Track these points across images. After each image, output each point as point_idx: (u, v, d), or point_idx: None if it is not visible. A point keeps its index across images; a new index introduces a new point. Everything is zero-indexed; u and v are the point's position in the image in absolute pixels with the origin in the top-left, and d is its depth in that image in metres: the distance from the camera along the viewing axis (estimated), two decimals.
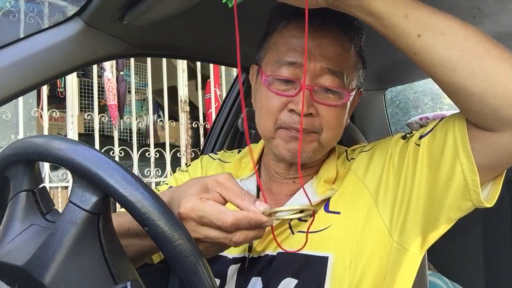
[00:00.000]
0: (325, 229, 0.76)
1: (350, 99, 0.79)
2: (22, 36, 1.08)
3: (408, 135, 0.77)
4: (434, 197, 0.69)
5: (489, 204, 0.67)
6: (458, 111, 0.67)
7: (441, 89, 0.63)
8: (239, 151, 0.98)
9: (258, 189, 0.87)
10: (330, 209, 0.78)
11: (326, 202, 0.79)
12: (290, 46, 0.76)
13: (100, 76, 4.07)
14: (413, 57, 0.61)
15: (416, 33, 0.58)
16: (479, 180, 0.64)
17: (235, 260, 0.79)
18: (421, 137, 0.72)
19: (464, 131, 0.64)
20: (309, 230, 0.76)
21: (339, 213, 0.77)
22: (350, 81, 0.78)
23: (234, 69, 2.27)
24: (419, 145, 0.71)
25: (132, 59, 4.18)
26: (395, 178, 0.74)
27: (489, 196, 0.68)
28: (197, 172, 0.93)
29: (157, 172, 4.24)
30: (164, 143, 4.45)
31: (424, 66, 0.61)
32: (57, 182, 3.72)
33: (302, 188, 0.80)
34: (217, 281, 0.79)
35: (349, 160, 0.85)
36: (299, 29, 0.76)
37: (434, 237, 0.74)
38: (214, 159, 0.96)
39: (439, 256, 1.52)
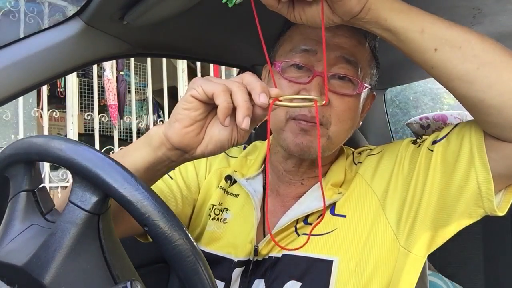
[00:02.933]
0: (330, 232, 0.76)
1: (364, 92, 0.79)
2: (22, 36, 1.08)
3: (418, 140, 0.76)
4: (445, 203, 0.69)
5: (501, 212, 0.66)
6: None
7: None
8: (245, 147, 0.97)
9: (264, 189, 0.86)
10: (336, 212, 0.77)
11: (332, 205, 0.78)
12: (305, 35, 0.77)
13: (100, 76, 4.07)
14: (430, 71, 0.60)
15: (433, 48, 0.58)
16: (493, 189, 0.63)
17: (239, 263, 0.79)
18: (434, 142, 0.71)
19: (481, 139, 0.64)
20: (314, 233, 0.76)
21: (345, 216, 0.77)
22: (364, 75, 0.78)
23: (234, 69, 2.26)
24: (432, 150, 0.70)
25: (132, 59, 4.18)
26: (404, 183, 0.74)
27: (501, 204, 0.67)
28: (201, 161, 0.92)
29: None
30: None
31: (441, 80, 0.61)
32: (57, 182, 3.72)
33: (319, 182, 0.79)
34: (221, 284, 0.79)
35: (356, 164, 0.84)
36: None
37: (441, 240, 0.74)
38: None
39: (439, 256, 1.52)
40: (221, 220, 0.85)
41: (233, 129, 0.59)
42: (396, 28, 0.58)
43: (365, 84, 0.77)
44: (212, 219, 0.86)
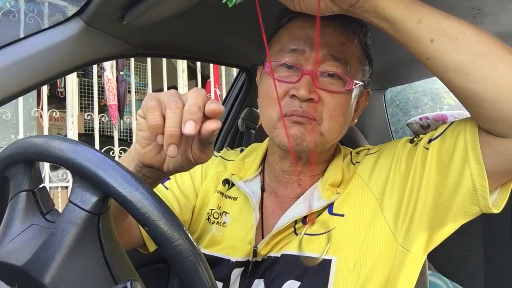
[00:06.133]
0: (328, 231, 0.76)
1: (356, 89, 0.79)
2: (22, 36, 1.07)
3: (415, 139, 0.76)
4: (441, 201, 0.69)
5: (496, 210, 0.66)
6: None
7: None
8: (242, 150, 0.97)
9: (262, 191, 0.86)
10: (334, 211, 0.77)
11: (330, 204, 0.78)
12: (293, 35, 0.77)
13: (100, 76, 4.07)
14: (426, 62, 0.60)
15: (429, 38, 0.58)
16: (488, 186, 0.63)
17: (238, 264, 0.79)
18: (430, 140, 0.71)
19: (475, 136, 0.64)
20: (313, 233, 0.76)
21: (343, 215, 0.77)
22: (354, 72, 0.78)
23: (234, 69, 2.27)
24: (428, 148, 0.70)
25: (132, 59, 4.18)
26: (401, 181, 0.74)
27: (496, 202, 0.67)
28: (196, 168, 0.91)
29: None
30: None
31: (437, 71, 0.61)
32: (57, 182, 3.72)
33: (317, 183, 0.80)
34: (220, 285, 0.79)
35: (353, 164, 0.84)
36: (302, 21, 0.76)
37: (438, 239, 0.74)
38: (216, 156, 0.95)
39: (439, 256, 1.52)
40: (221, 224, 0.85)
41: (186, 150, 0.59)
42: (393, 18, 0.58)
43: (355, 81, 0.77)
44: (212, 223, 0.86)
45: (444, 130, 0.70)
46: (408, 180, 0.72)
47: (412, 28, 0.58)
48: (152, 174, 0.62)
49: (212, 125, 0.52)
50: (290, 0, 0.60)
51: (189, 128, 0.49)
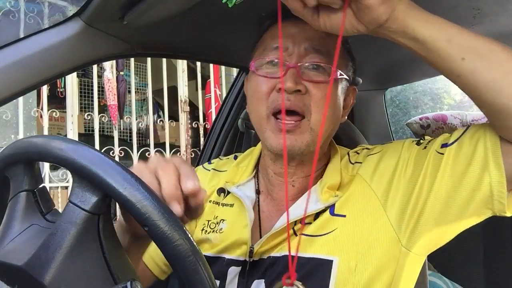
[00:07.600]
0: (330, 232, 0.75)
1: (342, 83, 0.80)
2: (22, 36, 1.07)
3: (422, 141, 0.76)
4: (452, 206, 0.68)
5: (510, 213, 0.67)
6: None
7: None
8: (235, 157, 0.97)
9: (259, 194, 0.86)
10: (336, 212, 0.77)
11: (330, 206, 0.78)
12: (275, 35, 0.79)
13: (100, 76, 4.07)
14: (456, 79, 0.61)
15: (460, 57, 0.58)
16: (506, 192, 0.64)
17: (235, 262, 0.79)
18: (444, 145, 0.71)
19: (496, 144, 0.64)
20: (314, 234, 0.76)
21: (344, 216, 0.76)
22: (337, 64, 0.78)
23: (234, 69, 2.27)
24: (442, 153, 0.70)
25: (132, 59, 4.18)
26: (408, 184, 0.73)
27: (508, 205, 0.67)
28: None
29: None
30: (164, 143, 4.46)
31: (467, 88, 0.61)
32: (57, 182, 3.73)
33: (315, 185, 0.80)
34: (217, 282, 0.79)
35: (352, 164, 0.84)
36: (283, 21, 0.77)
37: (443, 241, 0.74)
38: (209, 170, 0.95)
39: (439, 256, 1.52)
40: (217, 231, 0.85)
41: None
42: (423, 37, 0.58)
43: (339, 71, 0.78)
44: (208, 233, 0.86)
45: (460, 136, 0.70)
46: (416, 184, 0.72)
47: (442, 47, 0.58)
48: (147, 242, 0.67)
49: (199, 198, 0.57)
50: (315, 18, 0.59)
51: (176, 211, 0.53)
